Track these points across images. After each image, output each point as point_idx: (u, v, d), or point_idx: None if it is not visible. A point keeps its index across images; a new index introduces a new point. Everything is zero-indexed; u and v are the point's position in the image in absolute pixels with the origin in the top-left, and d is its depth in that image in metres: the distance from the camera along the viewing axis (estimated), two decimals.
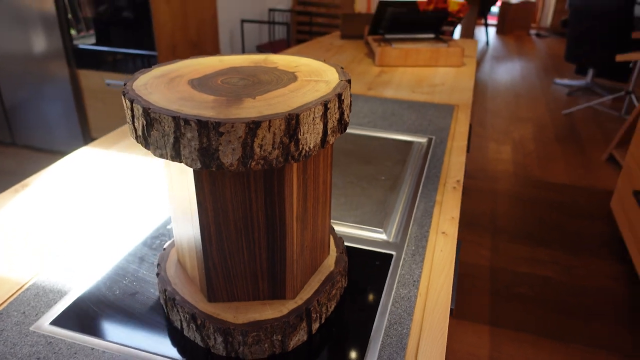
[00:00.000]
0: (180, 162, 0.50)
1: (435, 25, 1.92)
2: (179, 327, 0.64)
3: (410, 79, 1.73)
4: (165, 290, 0.64)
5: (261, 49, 3.53)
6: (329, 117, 0.53)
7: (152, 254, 0.79)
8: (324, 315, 0.66)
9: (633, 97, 3.91)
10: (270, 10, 3.74)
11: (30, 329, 0.65)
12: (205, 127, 0.47)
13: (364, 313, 0.68)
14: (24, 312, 0.67)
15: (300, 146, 0.51)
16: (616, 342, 1.75)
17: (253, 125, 0.47)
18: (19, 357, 0.60)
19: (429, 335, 0.65)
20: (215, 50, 3.10)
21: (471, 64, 1.94)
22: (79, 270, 0.75)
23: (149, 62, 2.59)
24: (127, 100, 0.52)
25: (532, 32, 7.36)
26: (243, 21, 3.34)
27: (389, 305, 0.70)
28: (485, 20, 6.47)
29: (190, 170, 0.54)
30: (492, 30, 7.44)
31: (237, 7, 3.42)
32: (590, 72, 4.55)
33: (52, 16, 2.56)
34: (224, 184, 0.54)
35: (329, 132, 0.54)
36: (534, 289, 2.01)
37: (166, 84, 0.56)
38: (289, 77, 0.59)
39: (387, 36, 1.97)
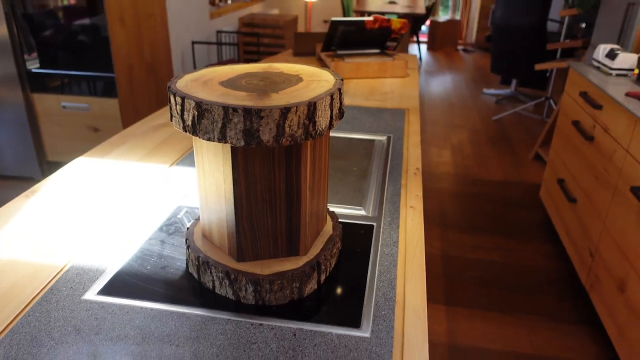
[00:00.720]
0: (226, 142, 0.65)
1: (381, 41, 2.15)
2: (211, 286, 0.78)
3: (363, 89, 1.93)
4: (198, 257, 0.78)
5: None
6: (333, 105, 0.70)
7: (169, 237, 0.92)
8: (328, 269, 0.82)
9: (552, 102, 4.36)
10: (218, 32, 3.88)
11: (82, 298, 0.76)
12: (249, 112, 0.62)
13: (359, 267, 0.85)
14: (72, 287, 0.78)
15: (317, 127, 0.67)
16: (553, 310, 2.02)
17: (285, 110, 0.63)
18: (79, 319, 0.72)
19: (411, 277, 0.83)
20: (168, 71, 3.20)
21: (414, 75, 2.18)
22: (109, 254, 0.87)
23: (107, 84, 2.66)
24: (177, 97, 0.67)
25: (460, 47, 7.92)
26: (194, 43, 3.46)
27: (377, 260, 0.87)
28: (417, 37, 6.92)
29: (227, 153, 0.69)
30: (423, 47, 7.94)
31: (187, 29, 3.54)
32: (514, 82, 5.02)
33: (4, 40, 2.57)
34: (254, 161, 0.70)
35: (334, 117, 0.71)
36: (481, 271, 2.25)
37: (202, 85, 0.71)
38: (296, 79, 0.76)
39: (339, 52, 2.18)
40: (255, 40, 3.96)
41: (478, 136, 3.95)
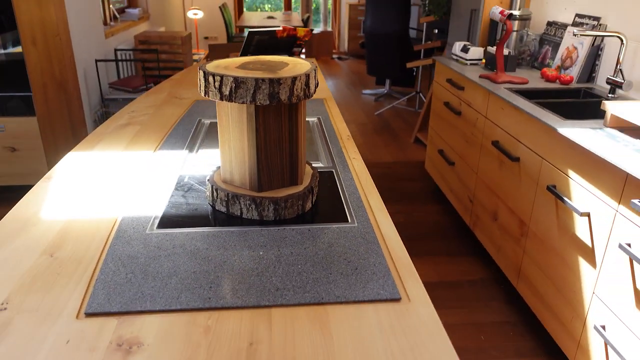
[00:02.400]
0: (256, 103, 0.98)
1: (289, 47, 2.55)
2: (239, 213, 1.10)
3: None
4: (227, 194, 1.09)
5: (114, 85, 3.77)
6: (316, 77, 1.07)
7: (187, 193, 1.21)
8: (316, 193, 1.18)
9: (421, 95, 5.12)
10: (116, 49, 3.98)
11: (146, 232, 1.03)
12: (272, 81, 0.97)
13: (333, 191, 1.22)
14: (134, 227, 1.05)
15: (309, 91, 1.04)
16: (449, 249, 2.56)
17: (294, 79, 0.99)
18: (153, 244, 0.99)
19: (369, 193, 1.22)
20: (76, 89, 3.28)
21: (318, 74, 2.61)
22: (146, 208, 1.14)
23: (23, 103, 2.71)
24: (216, 77, 0.99)
25: (335, 56, 8.65)
26: (97, 61, 3.55)
27: (344, 188, 1.25)
28: (299, 48, 7.46)
29: (251, 113, 1.02)
30: (302, 57, 8.52)
31: (88, 48, 3.62)
32: (387, 82, 5.74)
33: None
34: (269, 117, 1.04)
35: (316, 85, 1.08)
36: None
37: (225, 68, 1.04)
38: (284, 64, 1.12)
39: None
40: (154, 57, 4.13)
41: (365, 128, 4.53)
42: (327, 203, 1.17)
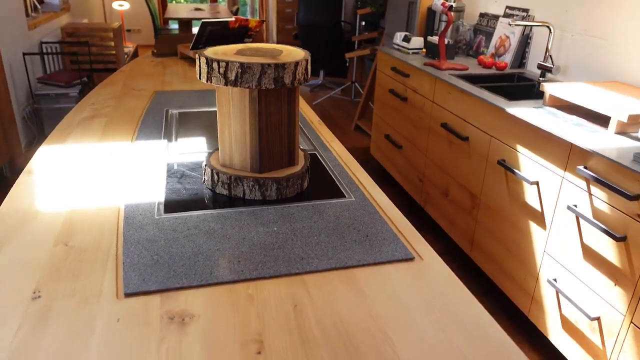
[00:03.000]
0: (261, 87, 1.03)
1: (240, 38, 2.57)
2: (242, 195, 1.14)
3: None
4: (230, 177, 1.13)
5: (43, 80, 3.56)
6: (310, 63, 1.14)
7: (182, 179, 1.23)
8: (310, 173, 1.25)
9: (357, 85, 5.29)
10: (42, 42, 3.75)
11: (155, 217, 1.05)
12: (277, 66, 1.02)
13: (323, 171, 1.30)
14: (141, 214, 1.06)
15: (307, 75, 1.10)
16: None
17: (296, 64, 1.05)
18: (168, 227, 1.02)
19: (356, 171, 1.31)
20: (3, 83, 3.08)
21: None
22: (146, 195, 1.15)
23: None
24: (221, 62, 1.02)
25: None
26: (24, 54, 3.33)
27: (331, 167, 1.32)
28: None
29: (253, 98, 1.07)
30: None
31: (11, 41, 3.40)
32: (322, 73, 5.86)
33: None
34: (270, 101, 1.09)
35: (311, 71, 1.14)
36: None
37: (224, 54, 1.07)
38: (278, 51, 1.17)
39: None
40: (85, 50, 3.93)
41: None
42: (320, 182, 1.25)
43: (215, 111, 1.77)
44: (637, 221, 1.34)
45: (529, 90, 2.35)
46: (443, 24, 2.94)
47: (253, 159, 1.15)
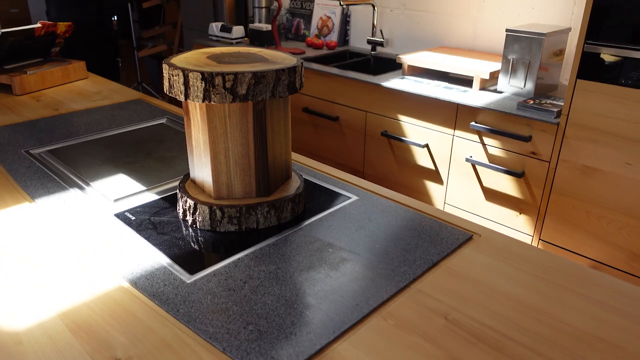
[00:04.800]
0: (276, 97, 0.89)
1: (46, 47, 2.07)
2: (255, 225, 0.98)
3: (73, 95, 1.90)
4: (240, 209, 0.95)
5: None
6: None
7: (157, 229, 0.98)
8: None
9: (144, 85, 4.84)
10: None
11: (187, 282, 0.83)
12: (290, 71, 0.89)
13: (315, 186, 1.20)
14: (165, 283, 0.82)
15: (304, 81, 0.99)
16: None
17: (301, 66, 0.93)
18: (216, 286, 0.82)
19: (333, 172, 1.25)
20: None
21: (91, 75, 2.23)
22: (140, 258, 0.89)
23: None
24: (228, 76, 0.84)
25: None
26: None
27: (298, 172, 1.23)
28: None
29: (258, 110, 0.91)
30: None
31: None
32: None
33: None
34: (273, 110, 0.95)
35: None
36: None
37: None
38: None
39: (7, 66, 1.96)
40: None
41: None
42: (308, 189, 1.15)
43: (102, 137, 1.43)
44: (532, 157, 1.63)
45: (376, 64, 2.55)
46: (257, 10, 2.92)
47: (260, 182, 0.99)
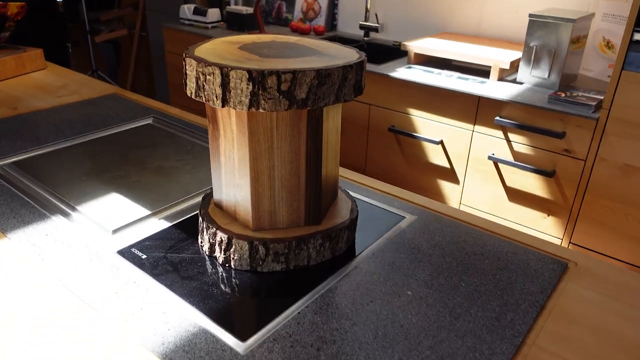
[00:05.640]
0: (340, 100, 0.68)
1: None
2: (306, 262, 0.78)
3: (32, 91, 1.60)
4: (291, 243, 0.75)
5: None
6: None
7: (178, 270, 0.76)
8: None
9: (99, 72, 4.43)
10: None
11: (240, 353, 0.62)
12: (357, 67, 0.69)
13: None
14: (216, 353, 0.61)
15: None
16: None
17: (364, 62, 0.72)
18: (293, 355, 0.61)
19: (359, 179, 1.06)
20: None
21: (50, 64, 1.92)
22: (171, 318, 0.67)
23: None
24: (285, 75, 0.63)
25: None
26: None
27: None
28: None
29: (315, 117, 0.71)
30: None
31: None
32: None
33: None
34: (328, 116, 0.74)
35: None
36: None
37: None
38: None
39: None
40: None
41: None
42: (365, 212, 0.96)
43: (89, 140, 1.17)
44: (565, 155, 1.50)
45: (370, 52, 2.35)
46: None
47: (310, 207, 0.78)
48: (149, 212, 0.91)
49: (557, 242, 1.60)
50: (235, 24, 2.49)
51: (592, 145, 1.44)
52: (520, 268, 0.79)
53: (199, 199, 0.97)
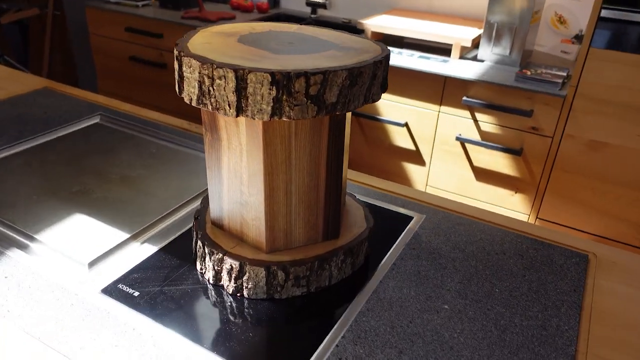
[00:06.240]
0: (369, 102, 0.60)
1: None
2: (327, 282, 0.69)
3: None
4: (311, 265, 0.66)
5: None
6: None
7: (182, 305, 0.65)
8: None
9: (7, 58, 3.95)
10: None
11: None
12: (385, 62, 0.60)
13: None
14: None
15: None
16: None
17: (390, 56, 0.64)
18: None
19: (358, 177, 0.98)
20: None
21: None
22: None
23: None
24: (314, 75, 0.53)
25: None
26: None
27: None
28: None
29: (336, 122, 0.62)
30: None
31: None
32: None
33: None
34: (347, 121, 0.65)
35: None
36: None
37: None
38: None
39: None
40: None
41: None
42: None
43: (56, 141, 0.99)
44: (532, 133, 1.50)
45: None
46: None
47: (329, 221, 0.69)
48: (127, 236, 0.78)
49: (525, 218, 1.63)
50: (169, 1, 2.28)
51: (559, 122, 1.45)
52: (545, 265, 0.76)
53: (182, 214, 0.85)
